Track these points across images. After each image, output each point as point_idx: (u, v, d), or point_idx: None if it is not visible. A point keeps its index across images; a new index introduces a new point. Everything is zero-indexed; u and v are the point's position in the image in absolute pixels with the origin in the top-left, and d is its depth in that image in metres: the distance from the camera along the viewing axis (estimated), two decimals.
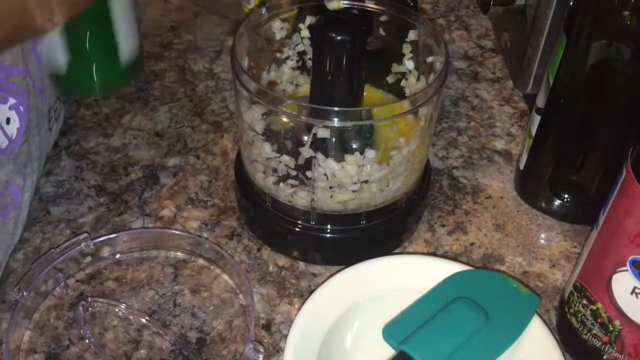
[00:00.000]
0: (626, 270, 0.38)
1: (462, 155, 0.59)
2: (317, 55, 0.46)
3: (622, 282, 0.39)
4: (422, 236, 0.53)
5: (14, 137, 0.47)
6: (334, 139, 0.46)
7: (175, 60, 0.68)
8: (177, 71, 0.66)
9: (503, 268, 0.51)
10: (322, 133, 0.43)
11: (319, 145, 0.44)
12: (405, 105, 0.44)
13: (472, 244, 0.52)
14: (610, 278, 0.39)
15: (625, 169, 0.38)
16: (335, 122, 0.42)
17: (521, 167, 0.55)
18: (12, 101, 0.47)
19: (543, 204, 0.54)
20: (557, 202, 0.54)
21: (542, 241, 0.53)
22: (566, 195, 0.53)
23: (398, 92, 0.52)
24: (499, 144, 0.60)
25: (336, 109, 0.42)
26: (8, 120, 0.47)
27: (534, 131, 0.52)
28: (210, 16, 0.73)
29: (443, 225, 0.53)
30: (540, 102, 0.50)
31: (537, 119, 0.51)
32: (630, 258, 0.38)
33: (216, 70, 0.67)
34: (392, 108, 0.44)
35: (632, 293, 0.38)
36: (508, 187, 0.57)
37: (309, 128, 0.44)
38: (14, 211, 0.48)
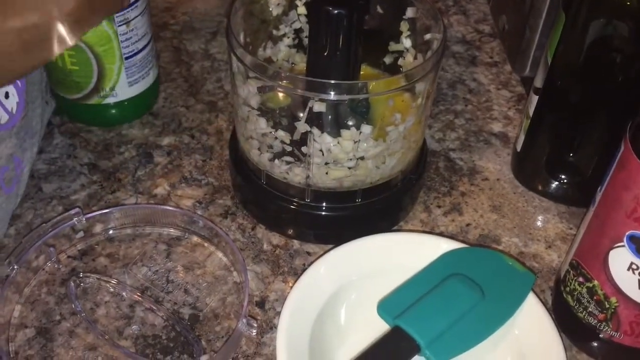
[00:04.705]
0: (623, 246, 0.38)
1: (459, 137, 0.59)
2: (313, 31, 0.45)
3: (618, 259, 0.38)
4: (418, 216, 0.52)
5: (14, 111, 0.47)
6: (330, 115, 0.45)
7: (170, 41, 0.67)
8: (173, 51, 0.66)
9: (499, 248, 0.50)
10: (318, 107, 0.43)
11: (314, 120, 0.44)
12: (402, 80, 0.43)
13: (468, 225, 0.52)
14: (607, 254, 0.39)
15: (623, 144, 0.37)
16: (332, 95, 0.42)
17: (518, 149, 0.54)
18: None
19: (540, 186, 0.54)
20: (554, 183, 0.53)
21: (538, 223, 0.52)
22: (563, 177, 0.53)
23: (395, 73, 0.52)
24: (496, 127, 0.60)
25: (332, 81, 0.41)
26: (7, 95, 0.46)
27: (531, 112, 0.51)
28: None
29: (439, 206, 0.53)
30: (539, 82, 0.50)
31: (535, 99, 0.51)
32: (627, 233, 0.37)
33: (212, 50, 0.66)
34: (389, 82, 0.44)
35: (628, 269, 0.38)
36: (505, 170, 0.56)
37: (304, 104, 0.44)
38: (17, 184, 0.48)
